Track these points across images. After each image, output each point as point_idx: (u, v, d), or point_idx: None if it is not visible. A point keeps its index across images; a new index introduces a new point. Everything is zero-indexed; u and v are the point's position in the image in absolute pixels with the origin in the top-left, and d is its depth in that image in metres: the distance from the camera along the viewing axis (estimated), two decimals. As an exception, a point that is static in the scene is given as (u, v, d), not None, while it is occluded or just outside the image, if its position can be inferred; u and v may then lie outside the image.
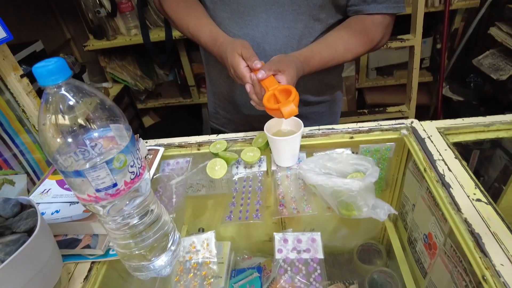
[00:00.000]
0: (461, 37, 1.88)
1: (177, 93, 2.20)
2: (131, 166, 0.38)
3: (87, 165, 0.37)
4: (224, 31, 0.74)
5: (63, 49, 2.05)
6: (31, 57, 1.49)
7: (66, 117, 0.35)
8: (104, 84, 1.96)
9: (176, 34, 1.78)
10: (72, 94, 0.34)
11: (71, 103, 0.34)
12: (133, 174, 0.38)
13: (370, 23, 0.73)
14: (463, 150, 1.66)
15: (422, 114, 2.02)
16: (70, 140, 0.35)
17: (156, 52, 1.85)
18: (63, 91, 0.33)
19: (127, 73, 2.07)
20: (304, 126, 0.75)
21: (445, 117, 1.93)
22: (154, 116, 2.37)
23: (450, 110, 1.90)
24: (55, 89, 0.33)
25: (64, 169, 0.36)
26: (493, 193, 1.51)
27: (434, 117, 1.90)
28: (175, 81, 2.17)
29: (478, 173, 1.67)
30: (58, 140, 0.35)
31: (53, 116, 0.34)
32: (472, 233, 0.48)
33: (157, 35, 1.83)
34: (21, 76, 0.59)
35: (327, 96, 0.89)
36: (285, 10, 0.72)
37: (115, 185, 0.37)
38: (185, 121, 2.05)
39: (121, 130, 0.39)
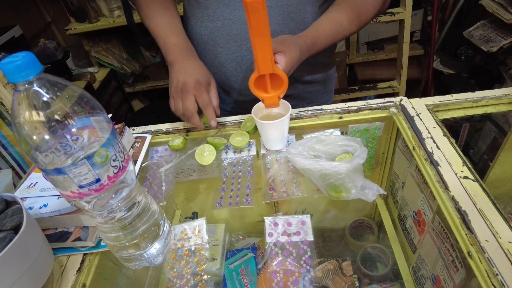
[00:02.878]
0: (452, 8, 1.85)
1: (165, 75, 2.15)
2: (114, 160, 0.37)
3: (69, 161, 0.36)
4: (214, 16, 0.72)
5: (43, 33, 1.98)
6: (10, 44, 1.43)
7: (42, 113, 0.33)
8: (90, 69, 1.91)
9: (160, 14, 1.72)
10: (45, 90, 0.32)
11: (45, 99, 0.33)
12: (116, 168, 0.38)
13: None
14: (454, 123, 1.67)
15: (414, 88, 2.02)
16: (47, 137, 0.34)
17: (141, 33, 1.79)
18: (35, 87, 0.32)
19: (113, 56, 2.01)
20: (299, 106, 0.75)
21: (436, 91, 1.93)
22: (143, 99, 2.34)
23: (441, 84, 1.90)
24: (26, 85, 0.31)
25: (45, 166, 0.35)
26: (483, 165, 1.54)
27: (425, 91, 1.89)
28: (162, 62, 2.12)
29: (469, 146, 1.69)
30: (35, 137, 0.34)
31: (28, 114, 0.32)
32: (459, 210, 0.49)
33: (141, 16, 1.77)
34: (-3, 67, 0.57)
35: (320, 75, 0.88)
36: None
37: (98, 180, 0.36)
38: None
39: (101, 123, 0.38)
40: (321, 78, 0.88)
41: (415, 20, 1.93)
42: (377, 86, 1.72)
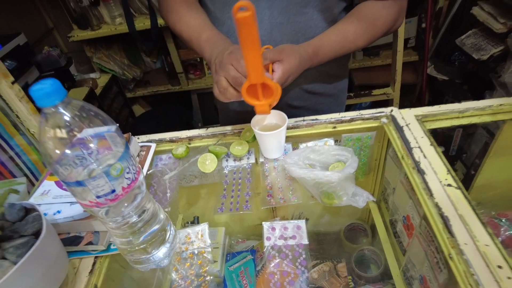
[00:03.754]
0: (445, 16, 1.90)
1: (165, 80, 2.19)
2: (127, 173, 0.41)
3: (87, 173, 0.40)
4: (228, 33, 0.74)
5: (46, 39, 2.02)
6: (15, 51, 1.47)
7: (64, 131, 0.37)
8: (92, 75, 1.95)
9: (161, 21, 1.76)
10: (68, 111, 0.37)
11: (67, 118, 0.37)
12: (129, 180, 0.42)
13: (381, 7, 0.71)
14: (448, 129, 1.72)
15: (409, 92, 2.06)
16: (68, 151, 0.38)
17: (142, 39, 1.83)
18: (60, 110, 0.36)
19: (114, 62, 2.06)
20: None
21: (430, 96, 1.98)
22: (144, 104, 2.38)
23: (435, 89, 1.94)
24: (52, 109, 0.35)
25: (66, 178, 0.39)
26: (475, 170, 1.58)
27: (420, 96, 1.94)
28: (163, 68, 2.16)
29: (462, 150, 1.74)
30: (58, 152, 0.38)
31: (52, 132, 0.36)
32: (441, 216, 0.53)
33: (143, 23, 1.81)
34: (12, 83, 0.61)
35: (332, 87, 0.89)
36: (288, 4, 0.71)
37: (113, 191, 0.40)
38: (175, 108, 2.06)
39: (115, 138, 0.42)
40: (333, 90, 0.89)
41: (410, 27, 1.98)
42: (372, 93, 1.77)
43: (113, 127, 0.42)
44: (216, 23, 0.77)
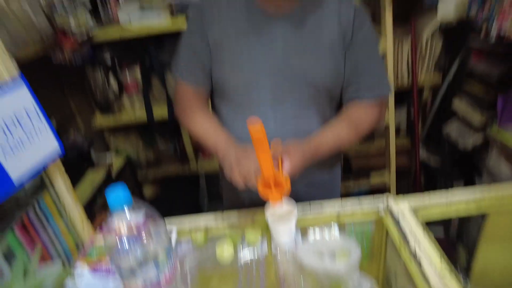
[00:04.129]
0: (431, 105, 2.10)
1: (176, 163, 2.33)
2: (169, 262, 0.50)
3: (135, 262, 0.48)
4: (237, 138, 0.87)
5: (69, 123, 2.17)
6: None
7: (125, 225, 0.47)
8: (108, 157, 2.07)
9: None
10: (131, 213, 0.47)
11: (129, 218, 0.47)
12: (171, 269, 0.50)
13: (365, 110, 0.88)
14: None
15: (406, 176, 2.18)
16: (125, 242, 0.47)
17: (159, 128, 2.02)
18: (125, 211, 0.46)
19: (130, 145, 2.22)
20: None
21: (425, 180, 2.09)
22: (155, 185, 2.48)
23: (428, 173, 2.06)
24: (121, 211, 0.46)
25: (120, 265, 0.47)
26: (473, 247, 1.60)
27: (415, 180, 2.05)
28: (175, 151, 2.32)
29: (461, 232, 1.78)
30: (119, 246, 0.47)
31: (118, 229, 0.46)
32: (439, 301, 0.59)
33: (160, 110, 2.01)
34: (62, 174, 0.73)
35: (328, 177, 1.01)
36: (290, 111, 0.88)
37: (158, 279, 0.48)
38: (184, 189, 2.17)
39: (162, 232, 0.51)
40: (328, 176, 1.01)
41: (400, 115, 2.17)
42: (370, 179, 1.88)
43: (162, 223, 0.52)
44: (228, 126, 0.92)
